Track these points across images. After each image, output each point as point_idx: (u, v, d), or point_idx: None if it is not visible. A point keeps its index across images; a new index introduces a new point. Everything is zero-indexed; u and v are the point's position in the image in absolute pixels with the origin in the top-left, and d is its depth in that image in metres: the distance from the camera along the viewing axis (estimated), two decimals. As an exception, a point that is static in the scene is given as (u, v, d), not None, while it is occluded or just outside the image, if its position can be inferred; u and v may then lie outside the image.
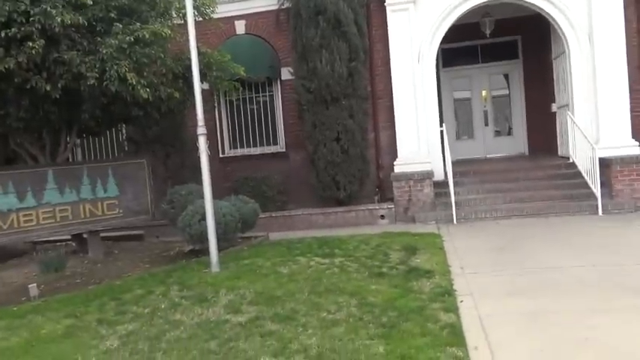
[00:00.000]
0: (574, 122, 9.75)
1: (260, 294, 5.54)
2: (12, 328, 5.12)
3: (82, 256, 8.36)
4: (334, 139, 9.74)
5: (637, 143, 9.43)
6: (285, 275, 6.26)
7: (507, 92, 13.18)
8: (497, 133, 13.30)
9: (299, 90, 9.94)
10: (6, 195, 7.26)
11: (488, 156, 12.80)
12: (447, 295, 5.09)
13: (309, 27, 9.67)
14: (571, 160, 9.99)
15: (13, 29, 6.26)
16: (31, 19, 6.31)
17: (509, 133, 13.17)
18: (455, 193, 9.21)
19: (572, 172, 9.74)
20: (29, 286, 6.32)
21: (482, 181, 10.07)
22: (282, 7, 10.90)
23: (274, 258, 7.15)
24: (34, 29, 6.33)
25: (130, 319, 5.09)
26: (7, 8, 6.19)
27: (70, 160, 9.44)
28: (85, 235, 8.43)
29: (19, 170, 7.86)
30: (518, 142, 12.90)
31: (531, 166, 10.56)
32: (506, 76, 13.21)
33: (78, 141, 10.52)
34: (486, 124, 13.20)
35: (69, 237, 9.00)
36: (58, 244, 9.37)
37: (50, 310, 5.54)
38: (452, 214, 9.10)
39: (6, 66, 6.40)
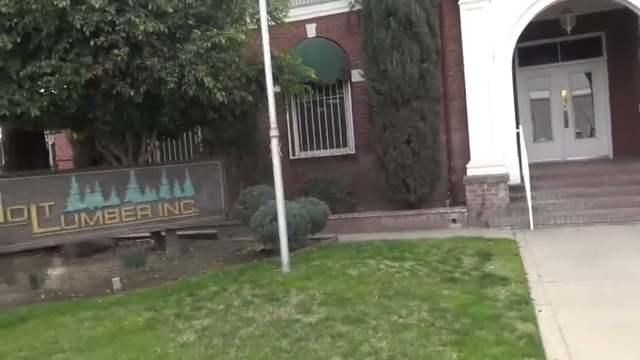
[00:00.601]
0: (665, 123, 9.08)
1: (330, 295, 5.56)
2: (98, 318, 5.44)
3: (160, 252, 8.76)
4: (405, 142, 9.62)
5: None
6: (355, 277, 6.25)
7: (590, 92, 12.46)
8: (579, 135, 12.60)
9: (369, 92, 9.91)
10: (93, 194, 7.76)
11: (568, 159, 12.15)
12: (523, 303, 4.88)
13: (379, 28, 9.62)
14: (661, 164, 9.31)
15: (100, 38, 6.66)
16: (117, 28, 6.68)
17: (592, 135, 12.45)
18: (532, 198, 8.82)
19: (662, 176, 9.07)
20: (112, 279, 6.71)
21: (562, 185, 9.59)
22: (353, 9, 10.91)
23: (344, 260, 7.15)
24: (119, 38, 6.70)
25: (205, 315, 5.27)
26: (96, 19, 6.59)
27: (150, 161, 9.91)
28: (163, 233, 8.84)
29: (104, 170, 8.38)
30: (601, 145, 12.15)
31: (617, 169, 9.93)
32: (588, 75, 12.50)
33: (157, 143, 11.02)
34: (566, 126, 12.54)
35: (148, 234, 9.48)
36: (138, 240, 9.87)
37: (132, 303, 5.84)
38: (528, 220, 8.72)
39: (94, 73, 6.82)
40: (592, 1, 9.88)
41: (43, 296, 6.80)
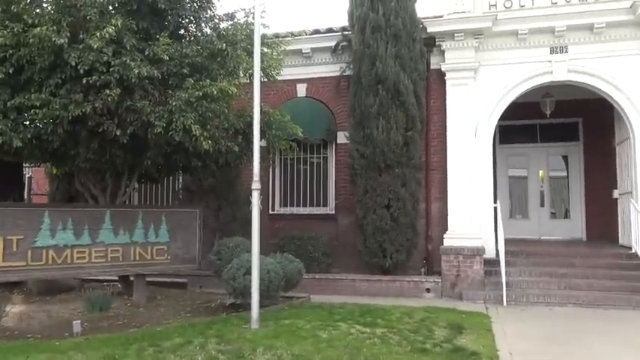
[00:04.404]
0: (638, 211, 9.33)
1: (297, 357, 5.40)
2: (52, 363, 5.18)
3: (127, 298, 8.49)
4: (385, 206, 9.67)
5: None
6: (325, 340, 6.10)
7: (566, 174, 12.87)
8: (554, 215, 12.88)
9: (353, 154, 10.05)
10: (64, 231, 7.55)
11: (542, 238, 12.35)
12: (494, 381, 4.79)
13: (368, 94, 9.90)
14: (633, 251, 9.46)
15: (94, 77, 6.72)
16: (111, 69, 6.76)
17: (567, 216, 12.72)
18: (506, 273, 8.86)
19: (634, 263, 9.21)
20: (73, 322, 6.45)
21: (536, 263, 9.66)
22: (344, 73, 11.24)
23: (314, 321, 7.00)
24: (112, 79, 6.75)
25: (166, 368, 5.05)
26: (92, 58, 6.67)
27: (127, 203, 9.76)
28: (131, 278, 8.59)
29: (79, 208, 8.21)
30: (575, 227, 12.41)
31: (589, 252, 10.08)
32: (565, 158, 12.94)
33: (137, 186, 10.92)
34: (542, 205, 12.83)
35: (116, 278, 9.20)
36: (105, 283, 9.57)
37: (90, 349, 5.57)
38: (502, 295, 8.71)
39: (83, 110, 6.81)
40: (571, 88, 10.35)
41: (-3, 334, 6.49)
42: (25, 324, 7.06)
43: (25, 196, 14.04)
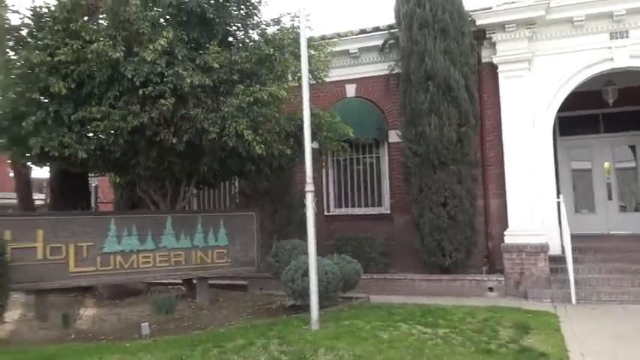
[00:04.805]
0: None
1: (359, 357, 5.37)
2: (122, 364, 5.38)
3: (190, 300, 8.73)
4: (441, 204, 9.48)
5: None
6: (385, 341, 6.03)
7: (634, 165, 12.17)
8: (623, 209, 12.18)
9: (406, 153, 9.91)
10: (129, 237, 7.90)
11: (611, 232, 11.72)
12: (565, 381, 4.59)
13: (418, 92, 9.73)
14: None
15: (149, 88, 6.96)
16: (165, 79, 6.98)
17: (637, 210, 12.03)
18: (574, 271, 8.46)
19: None
20: (142, 324, 6.69)
21: (605, 259, 9.19)
22: (392, 72, 11.12)
23: (374, 321, 6.94)
24: (167, 89, 6.98)
25: (230, 369, 5.13)
26: (146, 70, 6.92)
27: (187, 208, 10.04)
28: (194, 281, 8.82)
29: (142, 215, 8.55)
30: (647, 220, 11.70)
31: (664, 246, 9.50)
32: (632, 148, 12.24)
33: (195, 191, 11.20)
34: (610, 198, 12.17)
35: (180, 281, 9.47)
36: (170, 287, 9.87)
37: (158, 350, 5.76)
38: (570, 293, 8.33)
39: (140, 120, 7.08)
40: (636, 74, 9.79)
41: (72, 336, 6.83)
42: (98, 326, 7.40)
43: (92, 205, 14.70)
